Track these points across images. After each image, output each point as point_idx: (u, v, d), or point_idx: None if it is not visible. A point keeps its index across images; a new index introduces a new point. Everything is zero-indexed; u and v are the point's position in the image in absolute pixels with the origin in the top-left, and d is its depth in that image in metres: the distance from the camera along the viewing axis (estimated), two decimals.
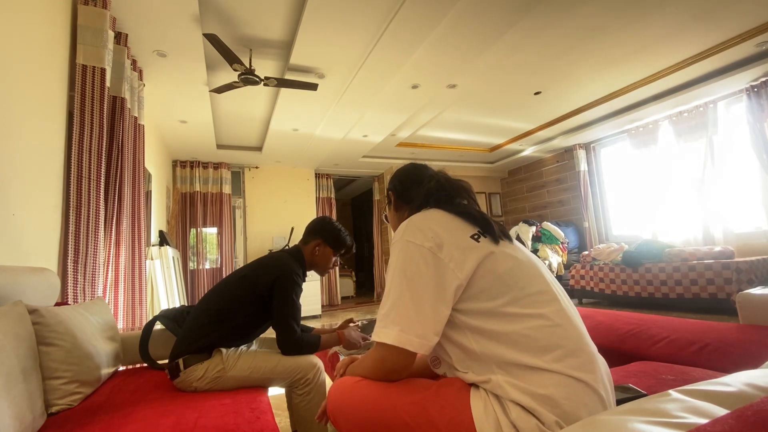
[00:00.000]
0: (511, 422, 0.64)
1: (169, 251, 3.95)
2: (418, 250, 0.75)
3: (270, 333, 1.53)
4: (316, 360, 1.42)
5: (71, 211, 1.80)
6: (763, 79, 3.81)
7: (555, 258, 5.46)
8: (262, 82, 3.12)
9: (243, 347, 1.44)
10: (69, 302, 1.71)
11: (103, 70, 1.99)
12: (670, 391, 0.44)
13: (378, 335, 0.75)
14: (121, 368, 1.63)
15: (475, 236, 0.77)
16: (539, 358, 0.67)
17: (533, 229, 5.68)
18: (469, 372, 0.73)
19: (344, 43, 2.88)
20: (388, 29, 2.67)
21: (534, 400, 0.64)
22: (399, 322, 0.73)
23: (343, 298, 7.21)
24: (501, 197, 7.66)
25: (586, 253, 4.96)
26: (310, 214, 6.38)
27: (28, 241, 1.56)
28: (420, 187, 0.94)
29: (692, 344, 1.23)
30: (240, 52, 2.95)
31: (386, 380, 0.81)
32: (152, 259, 3.32)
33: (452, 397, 0.72)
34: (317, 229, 1.63)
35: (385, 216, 1.12)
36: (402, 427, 0.74)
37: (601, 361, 0.73)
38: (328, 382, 1.37)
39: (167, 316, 1.63)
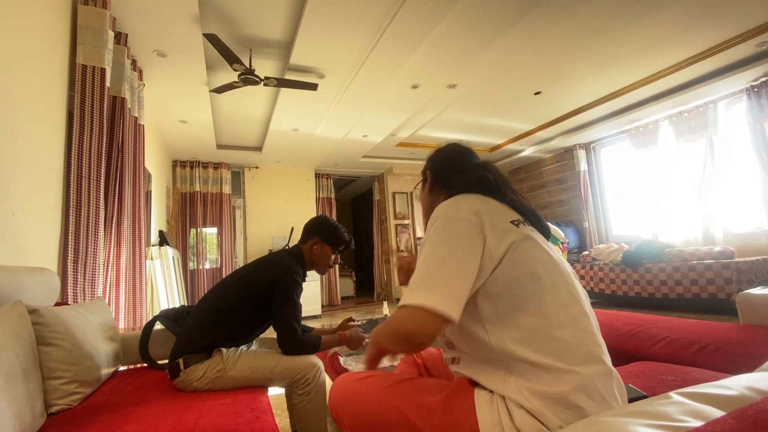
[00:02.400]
0: (515, 426, 0.64)
1: (169, 251, 3.95)
2: (462, 223, 0.72)
3: (270, 333, 1.53)
4: (316, 360, 1.42)
5: (71, 211, 1.80)
6: (763, 79, 3.81)
7: None
8: (262, 82, 3.12)
9: (243, 347, 1.44)
10: (69, 302, 1.71)
11: (103, 70, 1.99)
12: (671, 394, 0.44)
13: (410, 299, 0.66)
14: (121, 368, 1.63)
15: (515, 222, 0.76)
16: (552, 361, 0.66)
17: None
18: (483, 360, 0.73)
19: (344, 43, 2.88)
20: (388, 29, 2.67)
21: (541, 405, 0.63)
22: (436, 288, 0.66)
23: (343, 298, 7.21)
24: None
25: (586, 253, 4.96)
26: (310, 214, 6.37)
27: (28, 241, 1.56)
28: (462, 175, 0.89)
29: (692, 344, 1.23)
30: (240, 52, 2.95)
31: (408, 345, 0.67)
32: (152, 259, 3.32)
33: (458, 400, 0.72)
34: (314, 228, 1.64)
35: (415, 189, 1.11)
36: (405, 425, 0.74)
37: (615, 373, 0.72)
38: (328, 382, 1.37)
39: (167, 316, 1.63)
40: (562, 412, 0.63)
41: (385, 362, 0.75)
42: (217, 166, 5.76)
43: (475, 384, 0.73)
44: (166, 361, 1.39)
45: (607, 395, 0.66)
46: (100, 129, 1.94)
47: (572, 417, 0.62)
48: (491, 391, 0.69)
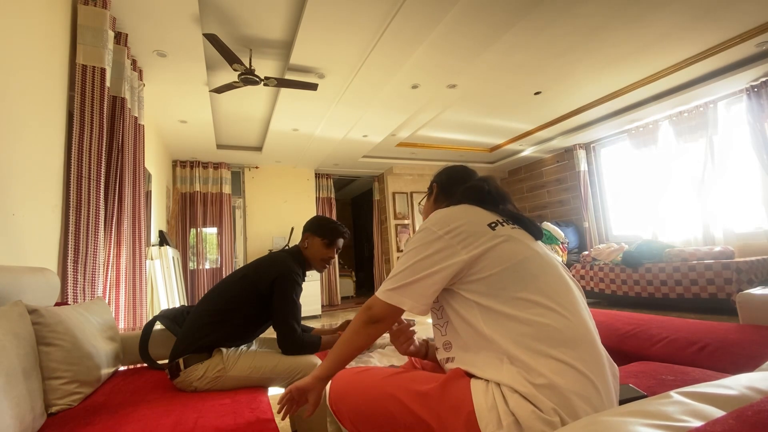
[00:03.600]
0: (509, 410, 0.66)
1: (169, 251, 3.95)
2: (437, 241, 0.81)
3: (270, 333, 1.53)
4: (316, 360, 1.42)
5: (71, 211, 1.80)
6: (763, 79, 3.81)
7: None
8: (262, 82, 3.12)
9: (243, 347, 1.44)
10: (69, 302, 1.71)
11: (103, 70, 1.99)
12: (671, 393, 0.44)
13: (390, 298, 0.83)
14: (121, 368, 1.63)
15: (493, 224, 0.82)
16: (542, 344, 0.69)
17: None
18: (478, 354, 0.75)
19: (344, 43, 2.88)
20: (388, 29, 2.67)
21: (534, 388, 0.66)
22: (409, 294, 0.81)
23: (343, 298, 7.21)
24: None
25: (586, 253, 4.96)
26: (310, 214, 6.37)
27: (28, 241, 1.56)
28: (463, 185, 0.99)
29: (692, 344, 1.23)
30: (240, 52, 2.95)
31: (370, 325, 0.87)
32: (152, 259, 3.32)
33: (455, 388, 0.74)
34: (307, 226, 1.67)
35: (419, 205, 1.17)
36: (404, 413, 0.76)
37: (608, 360, 0.75)
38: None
39: (167, 316, 1.63)
40: (554, 396, 0.65)
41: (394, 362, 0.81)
42: (217, 166, 5.76)
43: (471, 376, 0.76)
44: (166, 361, 1.39)
45: (596, 376, 0.68)
46: (100, 129, 1.94)
47: (564, 400, 0.64)
48: (486, 380, 0.72)
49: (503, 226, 0.83)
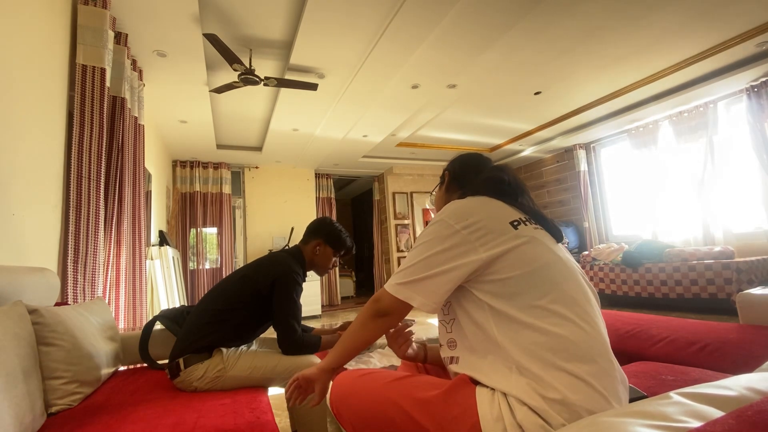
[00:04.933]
0: (516, 422, 0.64)
1: (169, 251, 3.94)
2: (453, 236, 0.77)
3: (270, 333, 1.53)
4: (316, 360, 1.42)
5: (71, 211, 1.80)
6: (763, 79, 3.80)
7: None
8: (262, 82, 3.12)
9: (243, 347, 1.44)
10: (69, 302, 1.71)
11: (103, 70, 1.99)
12: (671, 394, 0.44)
13: (399, 293, 0.78)
14: (121, 368, 1.63)
15: (515, 223, 0.78)
16: (556, 357, 0.66)
17: None
18: (484, 358, 0.73)
19: (344, 43, 2.88)
20: (388, 29, 2.67)
21: (544, 401, 0.63)
22: (420, 291, 0.77)
23: (343, 298, 7.21)
24: None
25: (586, 253, 4.96)
26: (310, 214, 6.37)
27: (28, 241, 1.56)
28: (478, 176, 0.95)
29: (692, 344, 1.23)
30: (240, 52, 2.95)
31: (377, 319, 0.83)
32: (152, 259, 3.32)
33: (459, 396, 0.72)
34: (318, 230, 1.64)
35: (431, 195, 1.13)
36: (406, 420, 0.74)
37: (619, 373, 0.72)
38: None
39: (167, 316, 1.63)
40: (566, 412, 0.62)
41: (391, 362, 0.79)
42: (217, 166, 5.76)
43: (476, 383, 0.74)
44: (166, 361, 1.39)
45: (610, 393, 0.66)
46: (100, 129, 1.94)
47: (576, 418, 0.62)
48: (492, 389, 0.69)
49: (526, 225, 0.78)
